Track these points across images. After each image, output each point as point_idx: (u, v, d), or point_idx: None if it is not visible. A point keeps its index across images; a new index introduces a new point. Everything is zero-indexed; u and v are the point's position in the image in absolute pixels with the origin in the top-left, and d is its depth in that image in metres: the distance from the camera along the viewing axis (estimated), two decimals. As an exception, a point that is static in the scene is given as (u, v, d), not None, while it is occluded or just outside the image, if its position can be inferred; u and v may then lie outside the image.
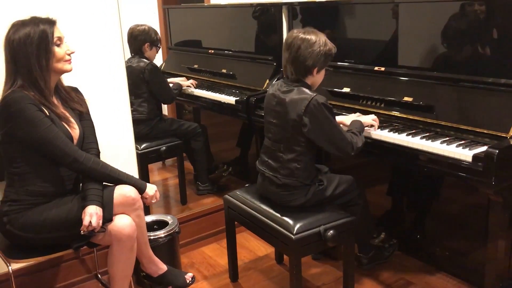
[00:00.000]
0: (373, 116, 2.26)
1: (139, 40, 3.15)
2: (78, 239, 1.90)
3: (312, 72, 2.05)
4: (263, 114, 2.30)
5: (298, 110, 1.99)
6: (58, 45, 1.89)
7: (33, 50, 1.81)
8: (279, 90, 2.10)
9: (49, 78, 1.89)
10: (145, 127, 3.06)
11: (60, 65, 1.90)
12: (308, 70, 2.04)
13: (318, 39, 2.01)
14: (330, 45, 2.05)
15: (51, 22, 1.87)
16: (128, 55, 2.53)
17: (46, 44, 1.83)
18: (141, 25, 3.20)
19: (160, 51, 3.37)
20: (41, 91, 1.85)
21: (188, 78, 3.52)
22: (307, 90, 2.03)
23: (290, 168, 2.08)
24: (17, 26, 1.84)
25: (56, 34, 1.87)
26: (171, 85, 3.33)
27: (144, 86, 3.06)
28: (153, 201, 2.05)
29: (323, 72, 2.12)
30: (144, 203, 2.02)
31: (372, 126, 2.23)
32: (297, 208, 2.12)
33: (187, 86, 3.42)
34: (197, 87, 3.40)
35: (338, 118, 2.33)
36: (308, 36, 2.01)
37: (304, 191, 2.11)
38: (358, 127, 2.13)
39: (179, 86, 3.37)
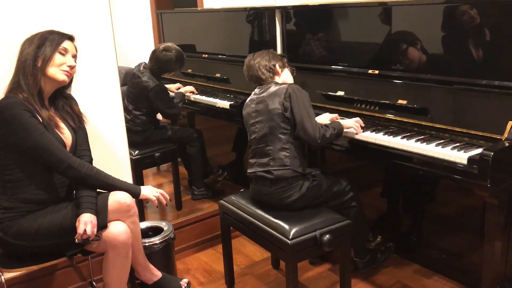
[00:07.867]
0: (356, 119, 2.27)
1: (164, 68, 3.08)
2: (72, 247, 1.89)
3: (275, 69, 2.27)
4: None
5: (279, 98, 2.12)
6: (62, 54, 1.91)
7: (33, 48, 1.86)
8: (255, 94, 2.26)
9: (40, 80, 1.88)
10: (139, 136, 3.05)
11: (53, 71, 1.88)
12: (271, 69, 2.26)
13: (265, 51, 2.32)
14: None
15: (65, 36, 1.93)
16: (120, 60, 2.49)
17: (47, 47, 1.87)
18: (172, 49, 3.07)
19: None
20: (31, 90, 1.84)
21: (182, 83, 3.50)
22: (282, 85, 2.18)
23: (280, 158, 2.12)
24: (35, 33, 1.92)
25: (64, 45, 1.91)
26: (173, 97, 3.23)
27: (146, 102, 3.02)
28: (154, 197, 2.05)
29: (288, 71, 2.32)
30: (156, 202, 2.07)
31: (354, 128, 2.23)
32: (293, 205, 2.13)
33: (190, 93, 3.31)
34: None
35: (317, 118, 2.35)
36: (255, 54, 2.31)
37: (298, 185, 2.13)
38: (336, 126, 2.18)
39: (182, 98, 3.24)
